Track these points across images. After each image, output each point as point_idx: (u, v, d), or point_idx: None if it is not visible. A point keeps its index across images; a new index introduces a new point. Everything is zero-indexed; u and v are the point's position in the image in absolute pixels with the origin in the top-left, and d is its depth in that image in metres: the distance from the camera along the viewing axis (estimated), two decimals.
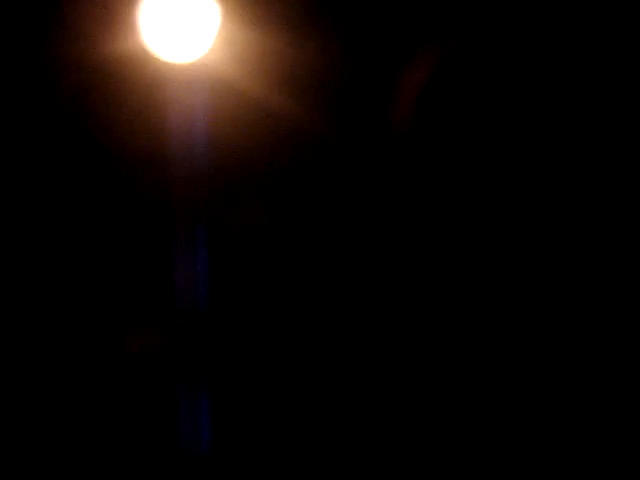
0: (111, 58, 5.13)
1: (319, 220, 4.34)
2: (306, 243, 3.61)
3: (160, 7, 4.68)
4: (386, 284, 2.51)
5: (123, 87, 5.14)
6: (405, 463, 2.34)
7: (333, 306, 2.64)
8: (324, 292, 2.80)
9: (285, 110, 5.62)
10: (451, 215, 2.36)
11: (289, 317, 2.94)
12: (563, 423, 2.41)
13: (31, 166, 4.89)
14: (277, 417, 2.61)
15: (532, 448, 2.47)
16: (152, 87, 5.05)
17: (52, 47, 5.36)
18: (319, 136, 6.03)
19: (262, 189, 6.38)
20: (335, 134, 5.94)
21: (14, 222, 4.48)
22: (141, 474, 2.95)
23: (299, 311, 2.95)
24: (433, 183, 2.35)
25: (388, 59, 6.58)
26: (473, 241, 2.37)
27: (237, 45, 5.18)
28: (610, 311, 2.62)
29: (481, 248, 2.42)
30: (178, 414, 3.07)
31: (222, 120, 5.63)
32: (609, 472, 2.36)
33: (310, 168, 6.24)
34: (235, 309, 3.33)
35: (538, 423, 2.48)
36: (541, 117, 2.37)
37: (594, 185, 2.83)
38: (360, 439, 2.40)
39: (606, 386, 2.36)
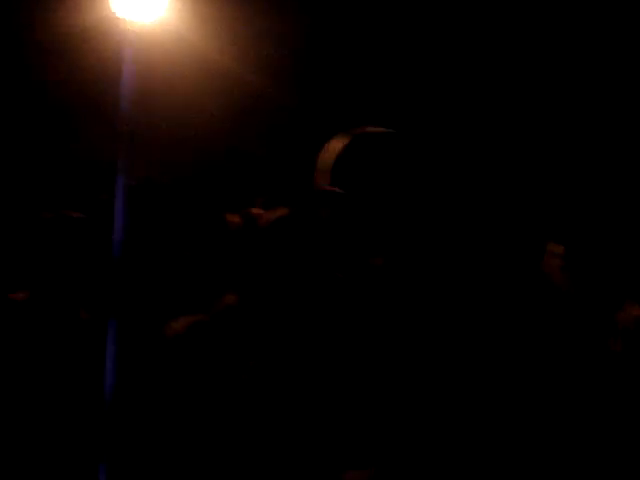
0: (77, 19, 5.65)
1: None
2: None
3: None
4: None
5: (87, 43, 5.63)
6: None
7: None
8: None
9: (236, 73, 6.13)
10: None
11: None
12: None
13: None
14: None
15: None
16: (113, 43, 5.52)
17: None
18: (273, 102, 6.51)
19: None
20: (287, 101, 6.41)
21: None
22: None
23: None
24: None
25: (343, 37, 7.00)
26: None
27: (190, 9, 5.67)
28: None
29: None
30: None
31: (173, 76, 6.11)
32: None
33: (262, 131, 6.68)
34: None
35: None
36: None
37: None
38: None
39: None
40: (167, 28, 5.71)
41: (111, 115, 6.02)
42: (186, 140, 6.44)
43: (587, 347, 3.13)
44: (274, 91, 6.04)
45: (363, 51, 6.44)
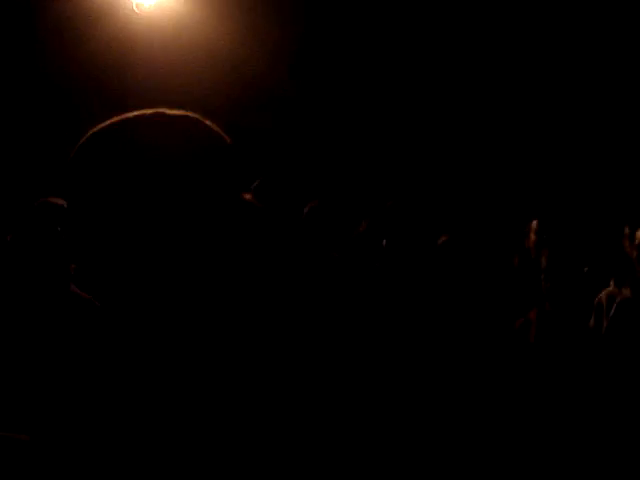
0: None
1: None
2: None
3: None
4: None
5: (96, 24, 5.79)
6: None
7: None
8: None
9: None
10: None
11: None
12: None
13: None
14: None
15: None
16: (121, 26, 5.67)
17: None
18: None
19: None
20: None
21: None
22: None
23: None
24: None
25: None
26: None
27: None
28: None
29: None
30: None
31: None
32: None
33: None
34: None
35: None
36: None
37: None
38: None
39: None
40: (166, 12, 5.86)
41: (117, 96, 6.13)
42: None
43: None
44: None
45: None
